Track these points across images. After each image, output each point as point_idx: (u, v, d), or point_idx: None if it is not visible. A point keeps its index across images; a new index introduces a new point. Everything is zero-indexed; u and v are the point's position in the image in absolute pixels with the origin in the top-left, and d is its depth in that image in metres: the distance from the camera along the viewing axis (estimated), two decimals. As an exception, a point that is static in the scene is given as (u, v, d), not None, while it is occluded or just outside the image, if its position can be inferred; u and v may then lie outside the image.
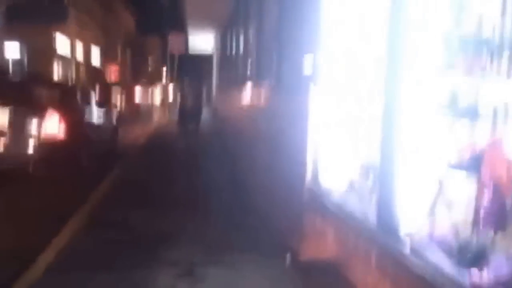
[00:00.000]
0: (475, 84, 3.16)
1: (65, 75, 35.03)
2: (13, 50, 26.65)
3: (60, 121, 8.77)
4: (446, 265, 2.69)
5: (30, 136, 8.47)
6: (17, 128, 8.41)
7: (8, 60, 26.63)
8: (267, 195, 6.96)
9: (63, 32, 32.92)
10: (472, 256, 2.52)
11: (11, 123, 8.43)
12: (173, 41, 26.48)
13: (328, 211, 4.62)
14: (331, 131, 4.81)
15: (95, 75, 38.91)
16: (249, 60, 11.00)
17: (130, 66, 52.34)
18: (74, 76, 37.04)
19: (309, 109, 5.01)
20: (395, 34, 3.39)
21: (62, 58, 34.27)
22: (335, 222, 4.47)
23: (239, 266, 4.97)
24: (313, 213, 4.96)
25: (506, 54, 2.58)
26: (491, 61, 2.84)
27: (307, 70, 5.22)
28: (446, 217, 3.28)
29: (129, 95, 28.85)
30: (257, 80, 9.16)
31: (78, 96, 10.19)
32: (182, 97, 14.41)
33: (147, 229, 6.22)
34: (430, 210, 3.42)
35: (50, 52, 31.75)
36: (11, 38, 26.31)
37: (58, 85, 14.64)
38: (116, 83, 30.65)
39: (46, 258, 5.11)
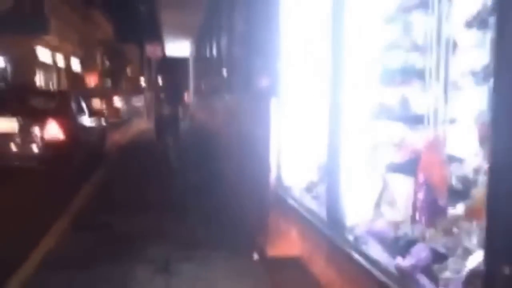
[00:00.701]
0: (410, 93, 3.49)
1: (47, 82, 34.99)
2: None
3: (58, 125, 10.00)
4: (382, 256, 2.97)
5: (35, 138, 9.84)
6: (24, 132, 9.82)
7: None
8: (237, 196, 7.24)
9: (44, 42, 32.90)
10: (402, 246, 2.80)
11: (19, 129, 9.82)
12: (150, 48, 26.61)
13: (291, 209, 4.89)
14: (291, 135, 5.10)
15: (76, 82, 38.87)
16: (222, 68, 11.26)
17: (109, 73, 52.29)
18: (56, 83, 36.99)
19: (271, 115, 5.28)
20: (337, 40, 3.68)
21: (44, 66, 34.22)
22: (297, 219, 4.75)
23: (209, 261, 5.21)
24: (278, 211, 5.23)
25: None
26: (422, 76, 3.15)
27: (269, 78, 5.50)
28: (387, 212, 3.59)
29: (109, 101, 28.83)
30: (229, 87, 9.43)
31: (72, 102, 11.31)
32: (158, 104, 13.88)
33: (126, 228, 6.43)
34: (375, 205, 3.73)
35: (32, 61, 31.74)
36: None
37: (55, 93, 17.56)
38: (96, 89, 30.71)
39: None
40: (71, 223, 6.75)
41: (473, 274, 2.23)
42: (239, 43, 8.26)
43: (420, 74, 3.23)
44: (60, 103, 11.02)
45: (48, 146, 9.81)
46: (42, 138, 9.83)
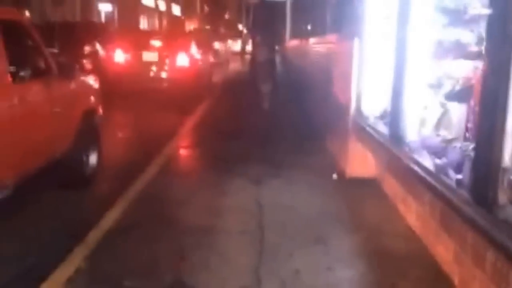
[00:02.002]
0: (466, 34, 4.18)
1: (150, 25, 36.79)
2: (106, 7, 28.35)
3: (185, 56, 13.84)
4: (428, 161, 3.76)
5: (168, 66, 13.75)
6: (161, 61, 13.71)
7: (101, 13, 28.34)
8: (322, 125, 8.15)
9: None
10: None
11: (158, 59, 13.74)
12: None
13: (367, 135, 5.69)
14: (370, 70, 5.85)
15: (177, 26, 40.46)
16: (316, 10, 11.92)
17: (208, 16, 53.69)
18: (157, 26, 38.76)
19: (354, 54, 6.04)
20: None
21: (147, 10, 35.94)
22: (371, 143, 5.54)
23: (294, 178, 6.16)
24: (356, 137, 6.04)
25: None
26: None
27: (354, 22, 6.24)
28: (444, 132, 4.34)
29: (210, 43, 30.05)
30: (323, 29, 10.15)
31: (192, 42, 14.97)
32: (254, 47, 12.15)
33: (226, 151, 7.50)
34: (435, 127, 4.48)
35: (136, 5, 33.50)
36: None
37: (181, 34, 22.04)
38: (196, 32, 31.90)
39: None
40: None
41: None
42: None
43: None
44: (184, 42, 14.66)
45: (177, 71, 13.57)
46: (173, 65, 13.66)
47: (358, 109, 6.11)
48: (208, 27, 39.57)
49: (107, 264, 3.90)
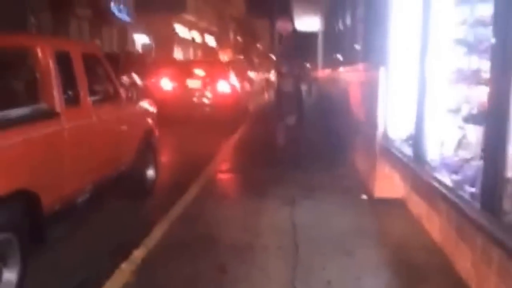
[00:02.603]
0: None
1: (184, 55, 37.77)
2: (142, 39, 29.34)
3: (226, 84, 15.25)
4: (449, 179, 4.13)
5: (210, 92, 15.00)
6: (204, 88, 15.11)
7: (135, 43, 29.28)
8: (351, 149, 8.56)
9: (182, 19, 35.57)
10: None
11: (201, 86, 15.18)
12: (280, 22, 27.97)
13: (393, 157, 6.06)
14: (395, 97, 6.25)
15: (210, 56, 41.45)
16: (346, 42, 12.38)
17: (241, 46, 54.73)
18: (192, 56, 39.75)
19: (380, 81, 6.46)
20: (425, 29, 4.81)
21: (181, 41, 36.95)
22: (397, 164, 5.91)
23: (325, 199, 6.54)
24: (384, 159, 6.42)
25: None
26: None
27: (380, 52, 6.66)
28: (462, 153, 4.70)
29: (244, 73, 30.80)
30: (352, 59, 10.59)
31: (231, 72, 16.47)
32: (280, 78, 10.84)
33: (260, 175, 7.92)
34: (455, 148, 4.85)
35: (171, 37, 34.55)
36: (139, 30, 28.98)
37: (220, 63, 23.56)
38: (233, 62, 32.71)
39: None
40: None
41: None
42: (360, 22, 9.40)
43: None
44: (223, 71, 16.20)
45: (219, 97, 14.90)
46: (215, 92, 14.99)
47: (385, 133, 6.51)
48: (241, 57, 40.35)
49: (153, 278, 4.32)
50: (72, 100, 5.05)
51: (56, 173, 4.58)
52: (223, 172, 8.54)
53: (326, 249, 4.84)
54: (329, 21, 18.76)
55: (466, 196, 3.58)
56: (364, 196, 6.61)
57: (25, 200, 4.02)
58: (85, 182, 5.19)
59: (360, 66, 8.46)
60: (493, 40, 3.24)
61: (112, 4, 23.53)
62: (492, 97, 3.18)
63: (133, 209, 6.35)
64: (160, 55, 28.63)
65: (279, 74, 10.45)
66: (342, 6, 13.09)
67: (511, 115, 2.93)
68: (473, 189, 3.59)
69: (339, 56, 13.42)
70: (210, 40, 46.48)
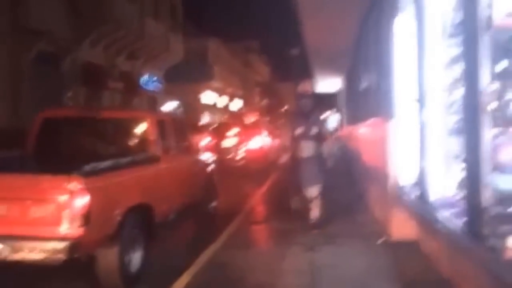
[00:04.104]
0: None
1: (212, 120, 38.89)
2: (172, 104, 30.42)
3: (257, 141, 18.79)
4: (451, 218, 4.58)
5: (243, 148, 18.51)
6: (237, 146, 18.60)
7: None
8: (367, 196, 9.00)
9: (210, 86, 36.89)
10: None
11: (236, 144, 18.65)
12: (302, 85, 28.92)
13: (404, 201, 6.50)
14: (403, 146, 6.75)
15: (237, 119, 42.51)
16: (364, 99, 13.00)
17: (267, 109, 55.96)
18: (218, 120, 40.89)
19: (389, 132, 6.98)
20: (421, 84, 5.37)
21: (209, 107, 38.12)
22: (408, 208, 6.35)
23: (345, 244, 6.95)
24: (396, 205, 6.85)
25: None
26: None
27: (389, 107, 7.22)
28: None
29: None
30: (368, 115, 11.18)
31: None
32: (295, 144, 8.30)
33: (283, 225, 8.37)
34: (457, 187, 5.29)
35: (199, 103, 35.76)
36: (170, 96, 30.14)
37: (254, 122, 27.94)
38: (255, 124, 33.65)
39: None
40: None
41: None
42: (373, 83, 10.03)
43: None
44: (255, 128, 20.38)
45: (251, 152, 18.36)
46: (248, 148, 18.48)
47: (396, 180, 6.97)
48: (268, 118, 41.32)
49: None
50: (166, 150, 7.16)
51: (159, 195, 6.49)
52: (253, 221, 9.15)
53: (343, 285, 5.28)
54: (350, 81, 19.54)
55: (457, 227, 4.02)
56: (381, 241, 7.00)
57: (145, 210, 5.97)
58: (174, 204, 7.18)
59: (374, 120, 9.01)
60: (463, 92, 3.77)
61: (143, 78, 24.70)
62: (467, 144, 3.69)
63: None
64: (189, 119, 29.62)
65: (294, 138, 8.21)
66: (359, 68, 13.81)
67: (482, 160, 3.44)
68: (463, 220, 4.03)
69: (359, 113, 14.03)
70: (237, 104, 47.75)
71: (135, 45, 21.87)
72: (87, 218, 4.87)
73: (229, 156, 17.44)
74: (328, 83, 27.47)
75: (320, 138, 8.07)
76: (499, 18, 3.55)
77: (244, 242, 7.55)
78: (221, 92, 41.42)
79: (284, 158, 8.41)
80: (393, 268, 5.84)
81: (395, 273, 5.67)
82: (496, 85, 3.57)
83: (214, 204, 9.35)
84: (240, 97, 48.35)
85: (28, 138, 7.04)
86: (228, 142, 18.19)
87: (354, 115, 16.51)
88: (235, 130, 19.36)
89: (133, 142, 7.26)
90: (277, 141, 22.99)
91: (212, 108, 39.39)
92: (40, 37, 14.93)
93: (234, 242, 7.45)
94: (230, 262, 6.36)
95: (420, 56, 5.64)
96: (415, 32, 5.92)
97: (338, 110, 31.62)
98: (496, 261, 3.33)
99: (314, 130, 8.00)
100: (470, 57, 3.72)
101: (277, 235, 7.74)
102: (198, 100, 36.13)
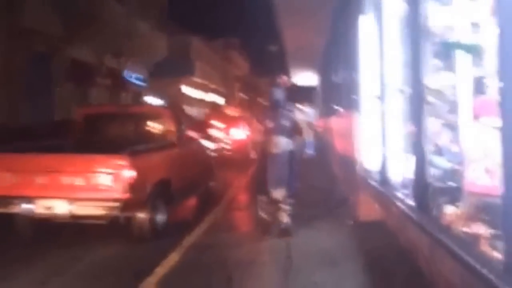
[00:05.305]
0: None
1: (194, 112, 39.32)
2: (153, 101, 30.71)
3: (240, 131, 19.45)
4: (406, 197, 5.16)
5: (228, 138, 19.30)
6: (224, 136, 19.31)
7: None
8: (337, 182, 9.60)
9: (191, 81, 37.33)
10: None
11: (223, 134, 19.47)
12: (278, 80, 29.46)
13: (370, 185, 7.08)
14: (367, 136, 7.32)
15: (217, 112, 42.96)
16: (335, 94, 13.60)
17: (247, 103, 56.50)
18: (201, 114, 41.32)
19: (355, 124, 7.56)
20: (382, 81, 5.94)
21: (190, 100, 38.54)
22: (373, 190, 6.92)
23: (318, 226, 7.49)
24: (363, 189, 7.43)
25: None
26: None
27: (354, 101, 7.80)
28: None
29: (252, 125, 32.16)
30: (340, 108, 11.78)
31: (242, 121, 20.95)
32: (268, 133, 7.35)
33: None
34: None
35: (181, 97, 36.19)
36: (154, 91, 30.47)
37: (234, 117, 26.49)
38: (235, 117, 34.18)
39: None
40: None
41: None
42: (343, 78, 10.62)
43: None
44: (236, 122, 20.62)
45: (235, 143, 19.10)
46: (233, 138, 19.29)
47: (363, 166, 7.56)
48: (247, 112, 41.87)
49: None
50: (179, 138, 8.64)
51: (176, 173, 7.93)
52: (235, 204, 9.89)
53: (314, 261, 5.83)
54: (324, 76, 20.15)
55: (408, 201, 4.62)
56: (350, 222, 7.55)
57: (166, 184, 7.51)
58: (186, 180, 8.51)
59: (343, 113, 9.60)
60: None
61: (128, 74, 25.06)
62: (415, 132, 4.28)
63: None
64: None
65: (265, 131, 7.29)
66: (331, 64, 14.39)
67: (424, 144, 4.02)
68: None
69: (332, 106, 14.63)
70: (218, 98, 48.22)
71: (121, 43, 22.18)
72: (131, 186, 6.50)
73: (216, 147, 17.50)
74: (304, 78, 28.10)
75: (291, 132, 7.18)
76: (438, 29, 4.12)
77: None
78: (202, 87, 41.83)
79: (254, 154, 8.08)
80: (360, 245, 6.41)
81: (361, 248, 6.24)
82: (436, 83, 4.14)
83: (212, 183, 10.69)
84: (220, 91, 48.80)
85: (71, 130, 8.94)
86: (214, 133, 18.68)
87: (328, 108, 17.14)
88: (218, 122, 19.88)
89: (154, 131, 8.96)
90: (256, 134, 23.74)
91: (194, 101, 39.77)
92: (33, 37, 15.25)
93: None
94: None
95: (380, 56, 6.21)
96: (376, 33, 6.50)
97: (315, 103, 32.27)
98: (436, 226, 3.90)
99: (286, 124, 7.11)
100: (413, 58, 4.31)
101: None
102: (181, 94, 36.53)
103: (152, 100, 30.96)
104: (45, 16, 15.63)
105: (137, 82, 26.54)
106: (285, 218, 7.09)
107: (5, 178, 6.77)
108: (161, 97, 33.13)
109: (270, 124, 7.14)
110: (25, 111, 14.94)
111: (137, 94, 27.01)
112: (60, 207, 6.60)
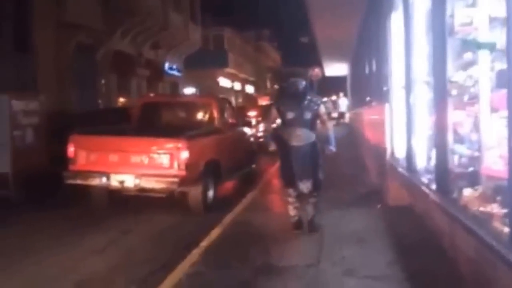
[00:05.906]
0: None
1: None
2: (189, 91, 31.43)
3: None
4: (430, 182, 5.54)
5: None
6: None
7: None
8: (366, 169, 9.97)
9: (225, 72, 37.90)
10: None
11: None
12: (311, 70, 29.73)
13: (399, 173, 7.44)
14: (397, 126, 7.68)
15: (250, 102, 43.47)
16: (367, 85, 13.91)
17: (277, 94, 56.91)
18: (234, 101, 41.87)
19: (386, 114, 7.92)
20: (408, 75, 6.30)
21: (224, 91, 39.15)
22: (401, 178, 7.29)
23: (349, 209, 7.89)
24: (392, 175, 7.80)
25: None
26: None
27: (385, 92, 8.16)
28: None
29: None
30: (371, 98, 12.11)
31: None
32: (286, 125, 6.74)
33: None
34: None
35: (215, 88, 36.81)
36: (187, 83, 31.18)
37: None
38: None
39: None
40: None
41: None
42: (373, 71, 10.95)
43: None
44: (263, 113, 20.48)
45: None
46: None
47: (392, 154, 7.93)
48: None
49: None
50: (224, 124, 9.81)
51: (223, 155, 8.95)
52: (266, 191, 10.12)
53: (344, 239, 6.26)
54: (354, 68, 20.42)
55: (431, 185, 5.01)
56: (379, 206, 7.92)
57: (215, 164, 8.59)
58: (231, 162, 9.44)
59: (374, 104, 9.96)
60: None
61: (166, 65, 25.75)
62: (436, 122, 4.65)
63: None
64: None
65: (284, 124, 6.75)
66: (362, 56, 14.70)
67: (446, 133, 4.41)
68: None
69: (362, 97, 14.96)
70: (250, 88, 48.70)
71: (159, 35, 22.81)
72: (187, 165, 7.71)
73: (251, 134, 17.87)
74: (335, 69, 28.35)
75: (314, 124, 6.71)
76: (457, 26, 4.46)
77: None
78: (235, 77, 42.37)
79: (273, 146, 6.99)
80: (387, 226, 6.78)
81: (388, 229, 6.61)
82: (457, 76, 4.51)
83: (254, 165, 11.59)
84: (253, 81, 49.28)
85: (132, 117, 10.15)
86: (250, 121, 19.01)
87: (358, 99, 17.45)
88: (253, 111, 20.23)
89: (204, 118, 9.97)
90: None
91: (228, 91, 40.35)
92: (78, 30, 16.02)
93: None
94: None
95: (407, 50, 6.57)
96: (403, 29, 6.85)
97: (346, 94, 32.42)
98: (455, 206, 4.29)
99: (307, 116, 6.56)
100: (437, 53, 4.68)
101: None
102: (216, 84, 37.19)
103: (188, 90, 31.66)
104: (87, 11, 16.33)
105: (174, 73, 27.22)
106: (312, 211, 6.85)
107: (87, 156, 8.12)
108: (197, 87, 33.85)
109: (289, 116, 6.57)
110: (75, 100, 15.82)
111: (174, 84, 27.68)
112: (129, 181, 7.84)
